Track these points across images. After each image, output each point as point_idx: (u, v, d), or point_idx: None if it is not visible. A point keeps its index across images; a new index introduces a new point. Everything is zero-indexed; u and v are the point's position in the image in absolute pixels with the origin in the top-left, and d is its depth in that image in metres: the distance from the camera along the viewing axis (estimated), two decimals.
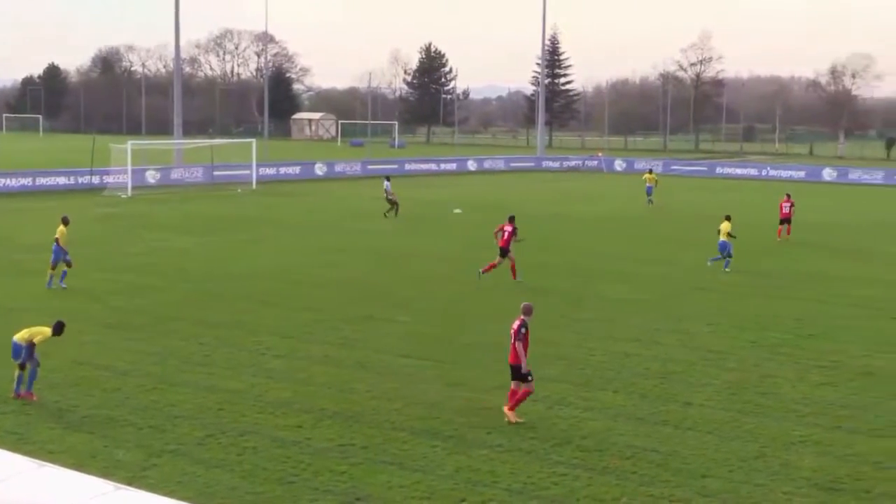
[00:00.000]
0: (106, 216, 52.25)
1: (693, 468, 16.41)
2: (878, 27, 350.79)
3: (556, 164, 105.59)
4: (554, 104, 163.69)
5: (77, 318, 24.96)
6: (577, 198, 68.07)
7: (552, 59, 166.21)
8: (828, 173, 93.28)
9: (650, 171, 67.22)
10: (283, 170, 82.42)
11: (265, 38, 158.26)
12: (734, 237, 36.84)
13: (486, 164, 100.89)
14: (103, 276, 33.24)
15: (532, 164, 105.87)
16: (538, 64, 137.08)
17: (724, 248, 36.70)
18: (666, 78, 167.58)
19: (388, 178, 57.80)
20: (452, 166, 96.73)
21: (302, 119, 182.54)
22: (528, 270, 35.49)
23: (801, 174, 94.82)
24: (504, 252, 33.41)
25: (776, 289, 33.08)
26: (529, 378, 18.61)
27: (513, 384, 18.81)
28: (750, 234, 47.29)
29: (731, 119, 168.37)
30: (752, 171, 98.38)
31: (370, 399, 19.89)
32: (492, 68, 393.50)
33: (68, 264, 31.00)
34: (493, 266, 33.54)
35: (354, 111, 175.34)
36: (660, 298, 31.08)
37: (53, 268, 31.08)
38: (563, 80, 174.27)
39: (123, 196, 62.43)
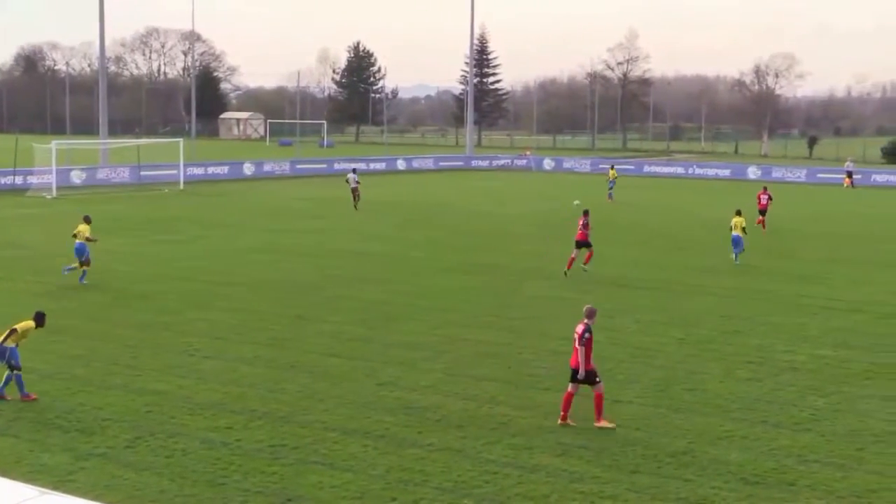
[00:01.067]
0: (30, 217, 51.51)
1: (622, 464, 16.56)
2: (800, 27, 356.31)
3: (486, 163, 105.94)
4: (483, 103, 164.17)
5: (2, 321, 24.55)
6: (507, 197, 68.35)
7: (480, 59, 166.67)
8: (752, 172, 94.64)
9: (612, 168, 69.65)
10: (211, 169, 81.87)
11: (192, 37, 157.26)
12: (746, 231, 38.47)
13: (416, 164, 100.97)
14: (30, 278, 32.80)
15: (461, 162, 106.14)
16: (466, 63, 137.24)
17: (737, 241, 38.09)
18: (593, 77, 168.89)
19: (354, 170, 59.61)
20: (381, 165, 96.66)
21: (230, 118, 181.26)
22: (462, 270, 35.68)
23: (727, 173, 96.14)
24: (581, 244, 35.40)
25: (702, 285, 33.47)
26: (597, 380, 18.39)
27: (570, 387, 18.52)
28: (681, 232, 47.92)
29: (658, 118, 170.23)
30: (679, 170, 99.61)
31: (301, 399, 19.83)
32: (420, 68, 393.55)
33: (84, 263, 32.11)
34: (588, 256, 35.42)
35: (283, 110, 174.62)
36: (589, 296, 31.26)
37: (87, 263, 32.10)
38: (491, 79, 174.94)
39: (48, 197, 61.58)
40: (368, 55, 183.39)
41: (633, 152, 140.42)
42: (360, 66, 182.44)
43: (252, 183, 77.90)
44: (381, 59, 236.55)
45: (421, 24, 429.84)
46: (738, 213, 39.23)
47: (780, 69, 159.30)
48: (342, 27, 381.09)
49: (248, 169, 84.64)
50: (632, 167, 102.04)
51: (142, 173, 73.45)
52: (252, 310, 28.30)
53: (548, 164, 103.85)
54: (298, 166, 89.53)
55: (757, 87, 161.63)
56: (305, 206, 58.82)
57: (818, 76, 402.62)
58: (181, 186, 70.14)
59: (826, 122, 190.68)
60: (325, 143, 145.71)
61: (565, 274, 34.59)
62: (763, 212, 49.98)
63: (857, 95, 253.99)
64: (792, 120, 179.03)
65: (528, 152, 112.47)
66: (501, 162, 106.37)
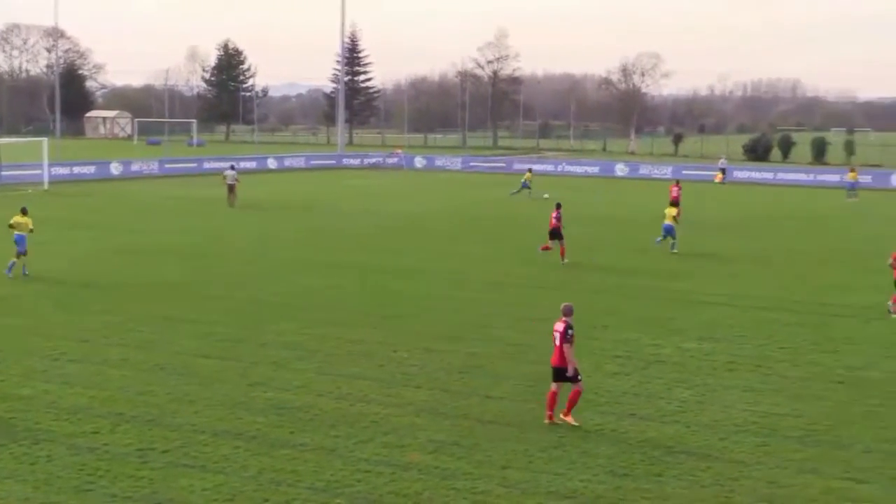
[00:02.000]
0: None
1: (494, 460, 16.69)
2: (665, 27, 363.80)
3: (357, 162, 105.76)
4: (354, 102, 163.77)
5: None
6: (379, 195, 68.32)
7: (351, 57, 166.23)
8: (620, 169, 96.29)
9: (530, 171, 73.23)
10: (77, 169, 79.98)
11: (55, 34, 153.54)
12: (678, 221, 42.10)
13: (287, 162, 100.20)
14: None
15: (333, 161, 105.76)
16: (338, 61, 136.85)
17: (669, 230, 41.47)
18: (464, 75, 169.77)
19: (232, 167, 61.68)
20: (252, 164, 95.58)
21: (96, 117, 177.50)
22: (335, 268, 35.58)
23: (595, 170, 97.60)
24: (555, 234, 37.97)
25: (571, 281, 33.89)
26: (578, 378, 18.42)
27: (553, 386, 18.59)
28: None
29: (528, 116, 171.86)
30: (549, 167, 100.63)
31: (170, 402, 19.54)
32: (291, 66, 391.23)
33: (21, 253, 33.20)
34: (563, 250, 37.96)
35: (151, 109, 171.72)
36: (462, 294, 31.45)
37: (20, 256, 33.17)
38: (362, 77, 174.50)
39: None
40: (238, 53, 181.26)
41: (504, 150, 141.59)
42: (229, 65, 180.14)
43: (120, 183, 76.45)
44: (251, 57, 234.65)
45: (291, 23, 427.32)
46: (672, 205, 43.53)
47: (646, 68, 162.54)
48: (211, 25, 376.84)
49: (115, 168, 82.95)
50: (502, 165, 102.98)
51: (3, 173, 71.40)
52: (120, 312, 27.77)
53: (419, 162, 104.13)
54: (167, 166, 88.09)
55: (624, 85, 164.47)
56: (175, 206, 57.94)
57: (683, 75, 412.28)
58: (46, 187, 68.44)
59: (690, 119, 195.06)
60: (195, 141, 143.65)
61: (541, 252, 37.56)
62: (675, 203, 51.77)
63: (720, 94, 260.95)
64: (658, 118, 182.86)
65: (399, 150, 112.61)
66: (373, 160, 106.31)
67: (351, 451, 16.97)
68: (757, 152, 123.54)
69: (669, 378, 21.87)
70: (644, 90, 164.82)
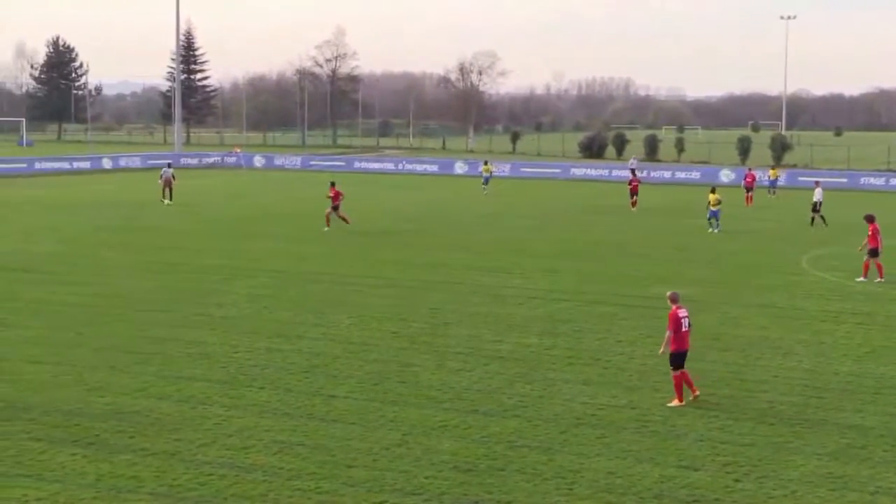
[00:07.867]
0: None
1: (339, 459, 16.67)
2: (502, 27, 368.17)
3: (195, 161, 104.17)
4: (191, 100, 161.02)
5: None
6: (220, 195, 67.45)
7: (188, 54, 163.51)
8: (459, 167, 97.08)
9: (486, 163, 76.48)
10: None
11: None
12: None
13: (122, 162, 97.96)
14: None
15: (171, 161, 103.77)
16: (173, 59, 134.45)
17: (714, 214, 48.34)
18: (302, 74, 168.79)
19: (169, 165, 63.31)
20: (86, 165, 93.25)
21: None
22: (161, 269, 34.98)
23: (435, 168, 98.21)
24: (336, 208, 46.56)
25: (407, 280, 33.95)
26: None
27: (680, 372, 20.00)
28: (387, 227, 48.45)
29: (367, 114, 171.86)
30: (389, 166, 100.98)
31: (1, 410, 18.92)
32: (125, 63, 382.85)
33: None
34: (344, 218, 46.34)
35: None
36: (301, 293, 31.22)
37: None
38: (199, 75, 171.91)
39: None
40: (69, 50, 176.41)
41: (344, 148, 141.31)
42: (60, 62, 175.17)
43: None
44: (84, 54, 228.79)
45: (124, 18, 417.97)
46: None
47: (484, 66, 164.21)
48: (40, 20, 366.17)
49: None
50: (342, 163, 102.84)
51: None
52: None
53: (258, 161, 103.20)
54: None
55: (462, 83, 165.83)
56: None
57: (520, 74, 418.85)
58: None
59: (527, 117, 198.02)
60: (25, 142, 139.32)
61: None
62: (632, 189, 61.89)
63: (556, 92, 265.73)
64: (496, 116, 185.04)
65: (237, 149, 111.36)
66: (211, 160, 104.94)
67: (193, 455, 16.74)
68: (592, 150, 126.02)
69: (510, 373, 22.15)
70: (482, 88, 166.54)
